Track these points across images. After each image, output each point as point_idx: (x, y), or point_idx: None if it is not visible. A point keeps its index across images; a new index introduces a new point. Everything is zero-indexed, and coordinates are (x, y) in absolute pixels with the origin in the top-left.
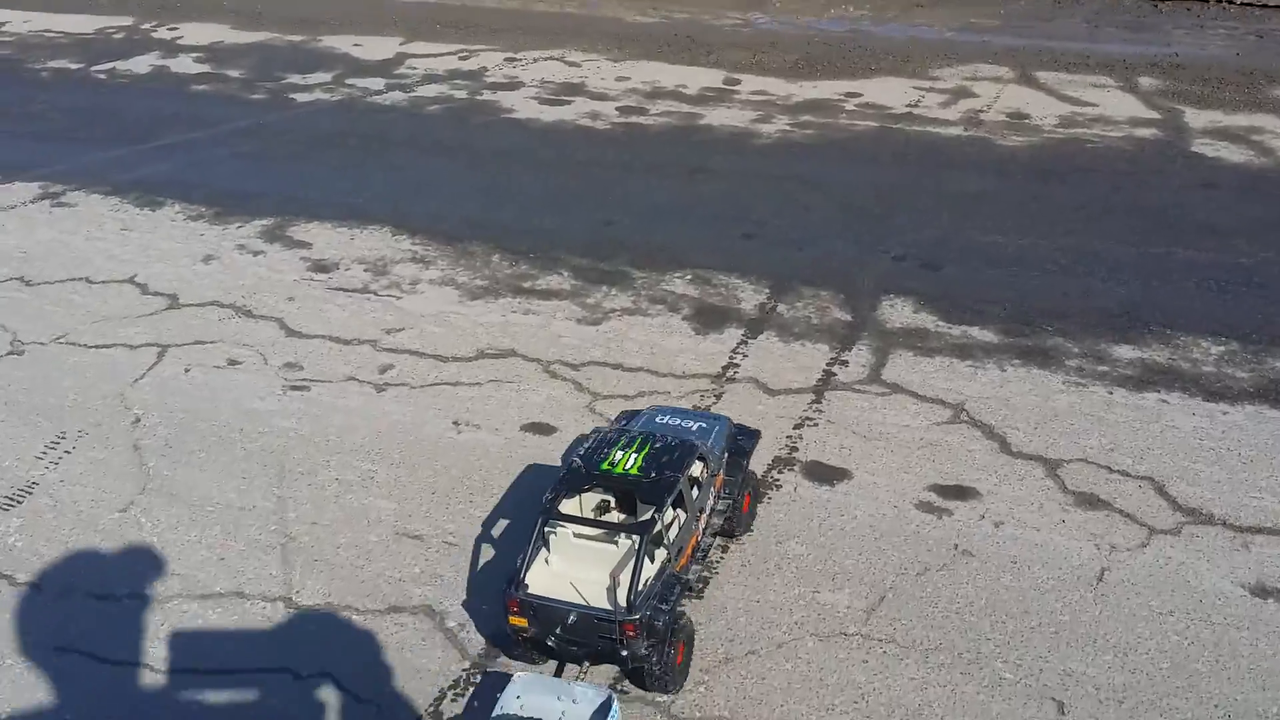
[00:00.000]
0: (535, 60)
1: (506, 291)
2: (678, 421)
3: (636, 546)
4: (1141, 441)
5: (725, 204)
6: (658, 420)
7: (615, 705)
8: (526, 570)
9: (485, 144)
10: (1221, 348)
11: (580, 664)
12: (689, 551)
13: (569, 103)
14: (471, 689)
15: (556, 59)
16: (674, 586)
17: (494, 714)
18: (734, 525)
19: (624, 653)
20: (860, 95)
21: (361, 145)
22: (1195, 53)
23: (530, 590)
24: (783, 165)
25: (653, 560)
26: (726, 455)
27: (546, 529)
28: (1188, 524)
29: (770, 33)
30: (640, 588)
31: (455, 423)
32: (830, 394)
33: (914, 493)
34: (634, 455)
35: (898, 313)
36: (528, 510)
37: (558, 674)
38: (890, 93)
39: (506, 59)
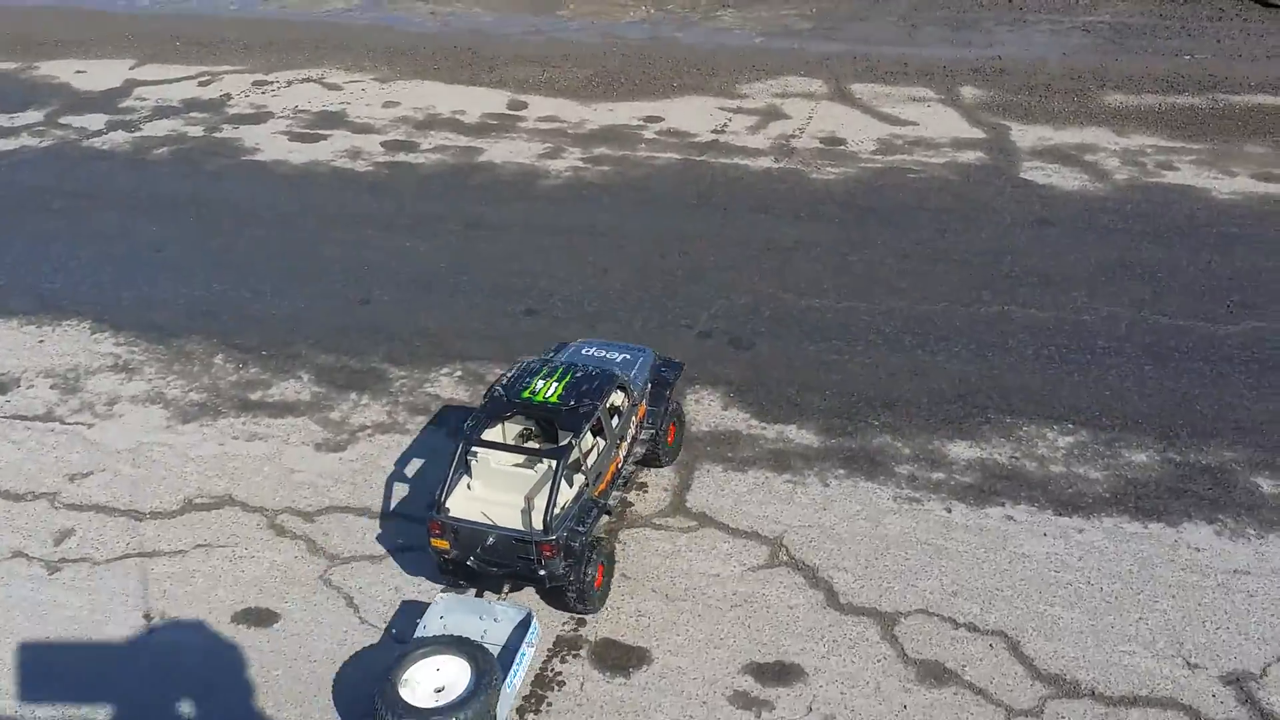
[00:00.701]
0: (289, 83)
1: (228, 408)
2: (602, 353)
3: (554, 471)
4: (988, 578)
5: (506, 269)
6: (584, 352)
7: (534, 623)
8: (447, 495)
9: (219, 197)
10: (1069, 438)
11: (500, 588)
12: (608, 477)
13: (325, 138)
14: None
15: (315, 80)
16: (591, 510)
17: (417, 634)
18: (659, 454)
19: (541, 573)
20: (661, 120)
21: (68, 207)
22: (1019, 53)
23: (451, 514)
24: (574, 213)
25: (570, 485)
26: (650, 386)
27: (468, 455)
28: (1051, 698)
29: (563, 41)
30: (557, 510)
31: (147, 616)
32: (626, 534)
33: (727, 678)
34: (555, 384)
35: (705, 410)
36: None
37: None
38: (694, 115)
39: (255, 83)
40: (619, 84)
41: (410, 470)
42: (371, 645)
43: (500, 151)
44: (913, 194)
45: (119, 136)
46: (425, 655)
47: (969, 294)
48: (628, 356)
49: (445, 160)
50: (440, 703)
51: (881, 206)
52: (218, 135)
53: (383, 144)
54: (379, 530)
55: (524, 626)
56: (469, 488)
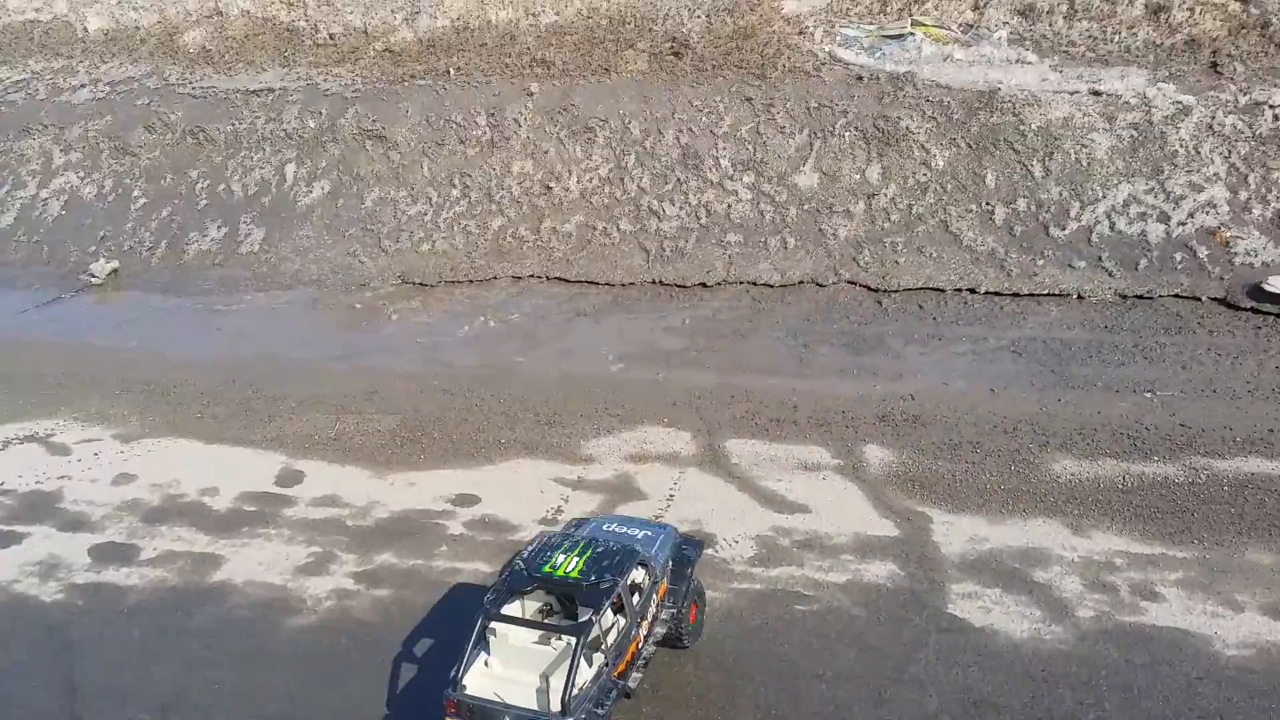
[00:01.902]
0: (4, 445)
1: None
2: (624, 529)
3: (574, 649)
4: None
5: None
6: (605, 528)
7: None
8: (464, 671)
9: None
10: None
11: None
12: (628, 656)
13: (20, 539)
14: None
15: (39, 439)
16: (610, 691)
17: None
18: (681, 635)
19: None
20: (476, 500)
21: None
22: (936, 388)
23: (468, 691)
24: (322, 691)
25: (590, 663)
26: (671, 564)
27: (486, 630)
28: None
29: (373, 370)
30: (575, 691)
31: None
32: None
33: None
34: (576, 559)
35: None
36: None
37: None
38: (521, 491)
39: None
40: (430, 439)
41: None
42: None
43: (246, 562)
44: (800, 648)
45: None
46: None
47: None
48: (649, 533)
49: (166, 580)
50: None
51: (757, 676)
52: None
53: (92, 551)
54: None
55: None
56: (487, 664)
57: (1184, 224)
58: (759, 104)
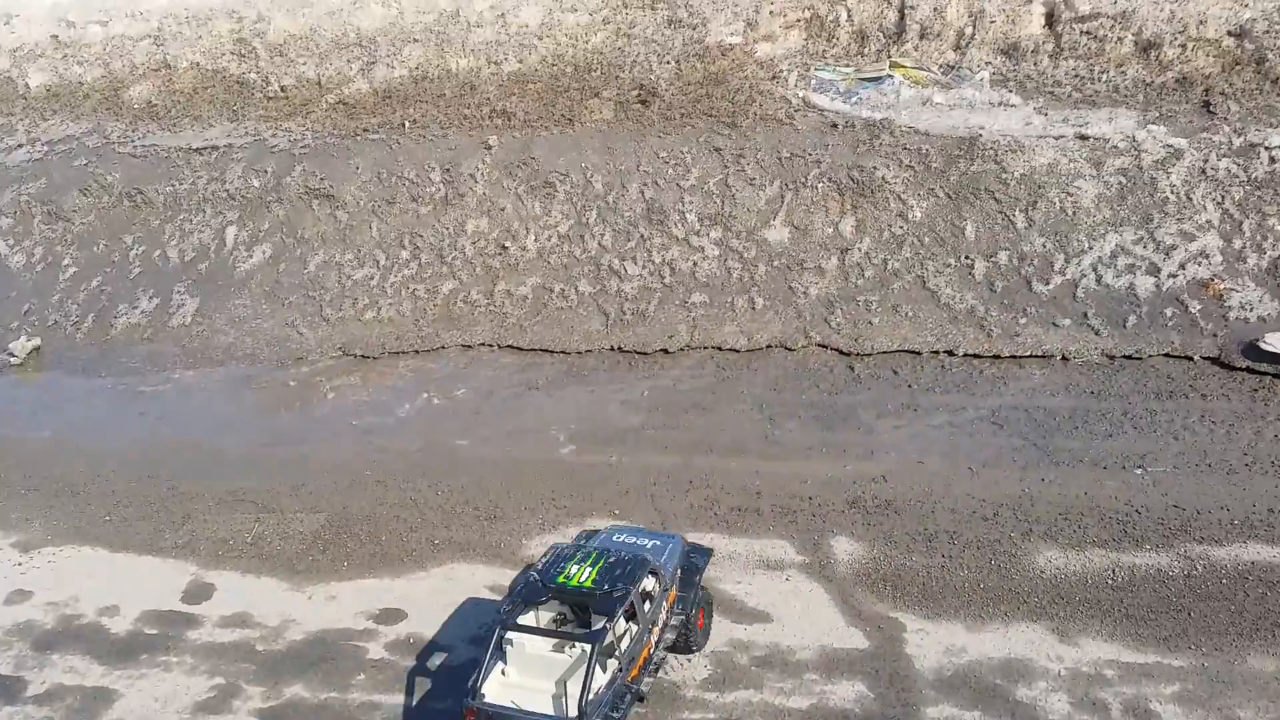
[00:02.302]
0: None
1: None
2: (633, 539)
3: (589, 655)
4: None
5: None
6: (615, 538)
7: None
8: (483, 680)
9: None
10: None
11: None
12: (640, 661)
13: None
14: None
15: None
16: (625, 695)
17: None
18: (690, 640)
19: None
20: (402, 615)
21: None
22: (910, 469)
23: (486, 699)
24: None
25: (604, 669)
26: (680, 572)
27: (503, 640)
28: None
29: (301, 458)
30: (591, 696)
31: None
32: None
33: None
34: (589, 569)
35: None
36: None
37: None
38: (453, 604)
39: None
40: (356, 541)
41: None
42: None
43: (142, 698)
44: None
45: None
46: None
47: None
48: (658, 543)
49: None
50: None
51: None
52: None
53: None
54: None
55: None
56: (504, 673)
57: (1175, 276)
58: (728, 154)
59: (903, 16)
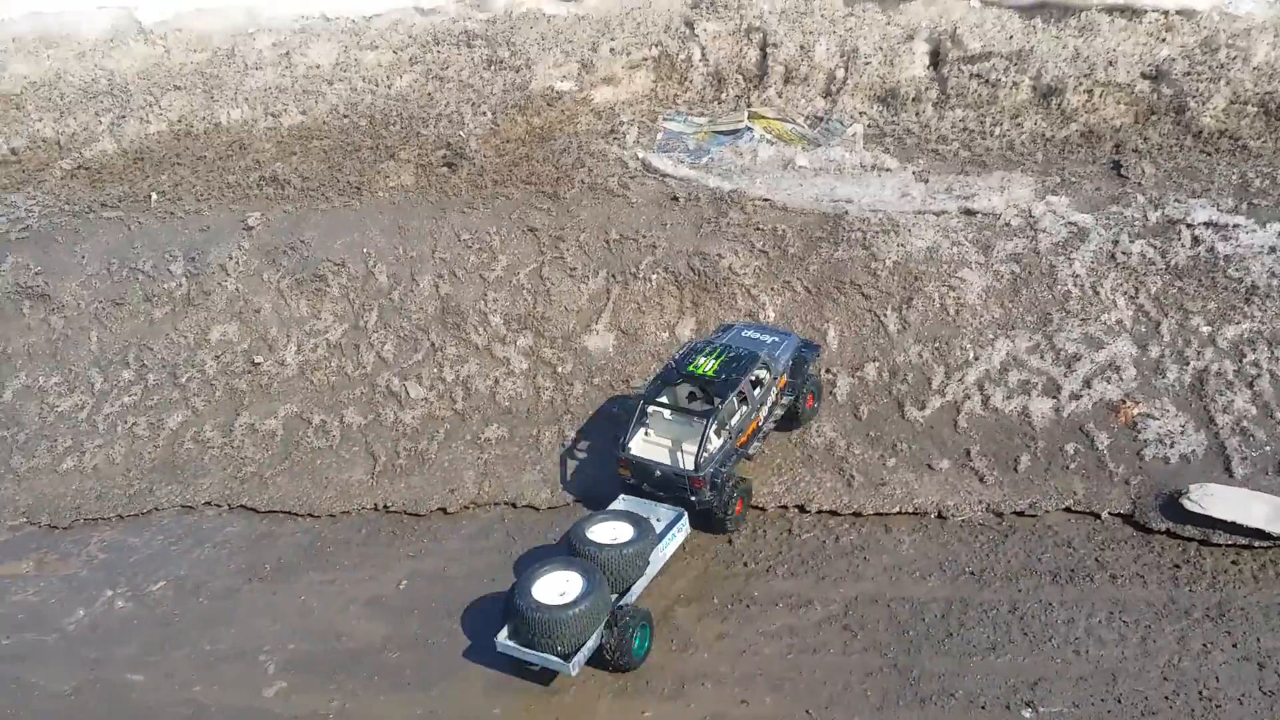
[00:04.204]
0: None
1: None
2: (757, 335)
3: (704, 427)
4: None
5: None
6: (742, 334)
7: (685, 519)
8: (630, 439)
9: None
10: None
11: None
12: (749, 432)
13: None
14: None
15: None
16: (733, 456)
17: (607, 509)
18: (800, 417)
19: (692, 499)
20: None
21: None
22: (731, 711)
23: (632, 452)
24: None
25: (718, 437)
26: (791, 364)
27: (646, 410)
28: None
29: None
30: (705, 455)
31: None
32: None
33: None
34: (713, 361)
35: None
36: None
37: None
38: None
39: None
40: None
41: None
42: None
43: None
44: None
45: None
46: (606, 519)
47: None
48: (776, 339)
49: None
50: (614, 541)
51: None
52: None
53: None
54: None
55: (678, 518)
56: (646, 435)
57: (1078, 397)
58: (546, 236)
59: (765, 56)
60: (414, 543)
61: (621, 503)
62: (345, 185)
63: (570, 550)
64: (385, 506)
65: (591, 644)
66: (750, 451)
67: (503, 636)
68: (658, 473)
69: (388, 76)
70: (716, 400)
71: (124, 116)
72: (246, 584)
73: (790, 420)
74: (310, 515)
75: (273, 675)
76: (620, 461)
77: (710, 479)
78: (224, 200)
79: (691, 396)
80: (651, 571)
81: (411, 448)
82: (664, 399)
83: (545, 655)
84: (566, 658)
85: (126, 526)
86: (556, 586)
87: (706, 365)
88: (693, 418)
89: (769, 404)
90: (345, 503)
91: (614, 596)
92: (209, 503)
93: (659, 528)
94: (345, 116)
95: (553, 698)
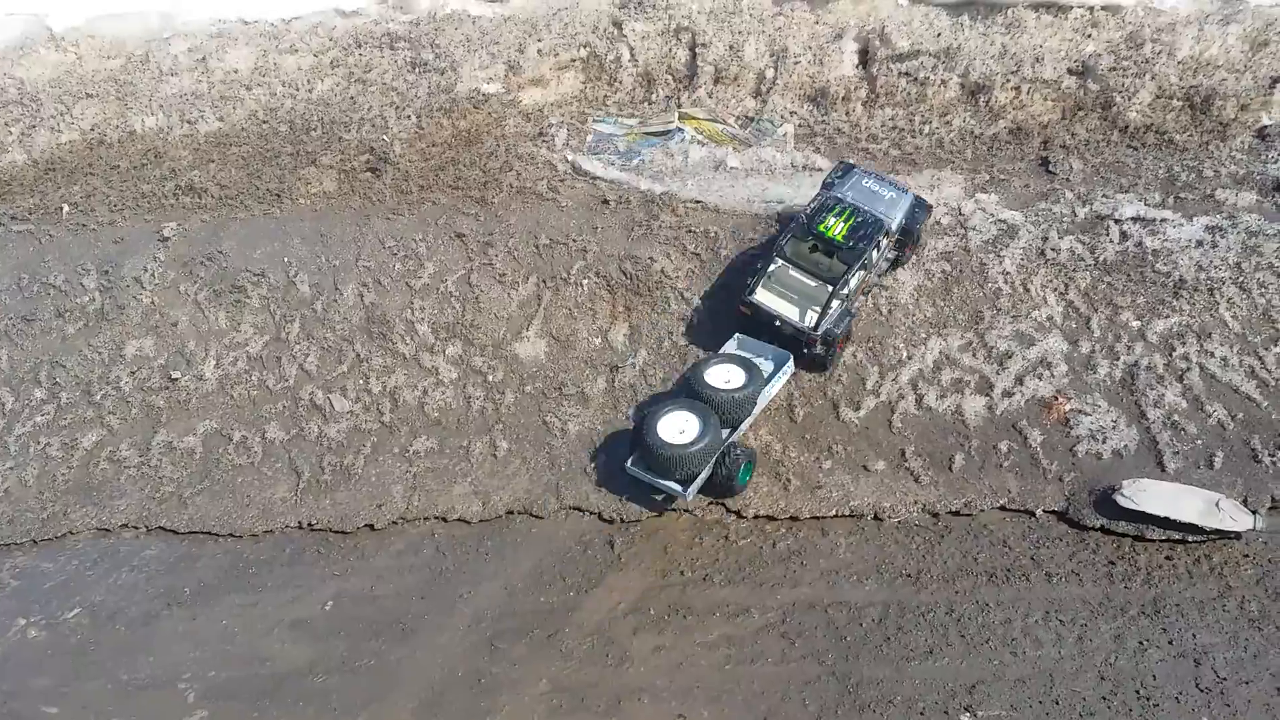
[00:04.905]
0: None
1: None
2: (875, 188)
3: (828, 293)
4: None
5: None
6: (862, 183)
7: (791, 362)
8: (755, 287)
9: None
10: None
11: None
12: (861, 290)
13: None
14: None
15: None
16: (846, 315)
17: (720, 351)
18: (900, 263)
19: (805, 352)
20: None
21: None
22: None
23: (755, 299)
24: None
25: (837, 300)
26: (904, 222)
27: (772, 263)
28: None
29: None
30: (824, 316)
31: None
32: None
33: None
34: (842, 224)
35: None
36: None
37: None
38: None
39: None
40: None
41: None
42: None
43: None
44: None
45: None
46: (721, 363)
47: None
48: (893, 195)
49: None
50: (727, 385)
51: None
52: None
53: None
54: None
55: (784, 360)
56: (770, 284)
57: (1011, 395)
58: (474, 242)
59: (694, 56)
60: (340, 561)
61: (734, 344)
62: (265, 193)
63: (689, 393)
64: (310, 524)
65: (705, 475)
66: (856, 307)
67: (630, 463)
68: (777, 323)
69: (308, 80)
70: (843, 267)
71: (34, 126)
72: (165, 609)
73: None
74: (231, 535)
75: (193, 704)
76: (743, 305)
77: (823, 337)
78: (139, 211)
79: (814, 249)
80: (757, 411)
81: (337, 463)
82: (791, 254)
83: (667, 482)
84: (684, 484)
85: (40, 551)
86: (677, 425)
87: (837, 228)
88: (818, 279)
89: (879, 260)
90: (268, 522)
91: (725, 433)
92: (126, 525)
93: (767, 371)
94: (264, 122)
95: (485, 719)
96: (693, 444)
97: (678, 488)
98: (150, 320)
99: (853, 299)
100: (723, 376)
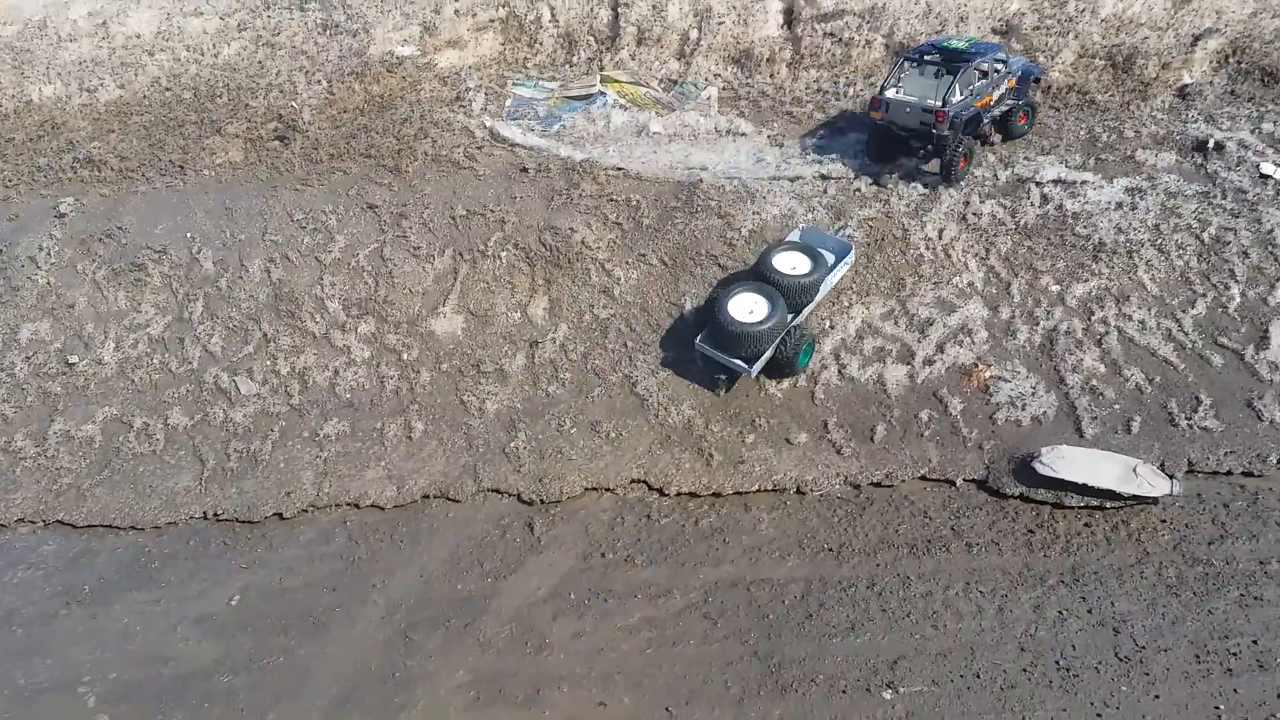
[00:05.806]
0: None
1: None
2: (994, 52)
3: (952, 80)
4: None
5: None
6: (980, 43)
7: (853, 251)
8: (885, 88)
9: None
10: None
11: (909, 148)
12: (984, 102)
13: None
14: None
15: None
16: (969, 107)
17: (787, 240)
18: (1012, 117)
19: (933, 131)
20: None
21: None
22: (589, 714)
23: (886, 95)
24: None
25: (962, 93)
26: (1019, 78)
27: (901, 65)
28: None
29: None
30: (949, 99)
31: None
32: None
33: None
34: (963, 43)
35: None
36: None
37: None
38: None
39: None
40: None
41: None
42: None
43: None
44: None
45: None
46: (786, 250)
47: None
48: (1010, 56)
49: None
50: (793, 271)
51: None
52: None
53: None
54: None
55: (846, 251)
56: (898, 84)
57: (931, 362)
58: (387, 214)
59: (617, 16)
60: (247, 553)
61: (797, 233)
62: (167, 164)
63: (758, 276)
64: (215, 515)
65: (769, 354)
66: (983, 129)
67: (700, 340)
68: (907, 109)
69: (214, 45)
70: (960, 66)
71: None
72: (64, 608)
73: (1004, 132)
74: (133, 528)
75: (94, 708)
76: (874, 103)
77: (951, 119)
78: (34, 185)
79: (937, 74)
80: (820, 296)
81: (243, 449)
82: (915, 57)
83: (733, 360)
84: (749, 361)
85: None
86: (747, 305)
87: (958, 43)
88: (942, 73)
89: (1001, 90)
90: (171, 513)
91: (789, 316)
92: (21, 520)
93: (829, 260)
94: (168, 89)
95: (400, 714)
96: (761, 323)
97: (744, 365)
98: (46, 302)
99: (978, 100)
100: (789, 263)
